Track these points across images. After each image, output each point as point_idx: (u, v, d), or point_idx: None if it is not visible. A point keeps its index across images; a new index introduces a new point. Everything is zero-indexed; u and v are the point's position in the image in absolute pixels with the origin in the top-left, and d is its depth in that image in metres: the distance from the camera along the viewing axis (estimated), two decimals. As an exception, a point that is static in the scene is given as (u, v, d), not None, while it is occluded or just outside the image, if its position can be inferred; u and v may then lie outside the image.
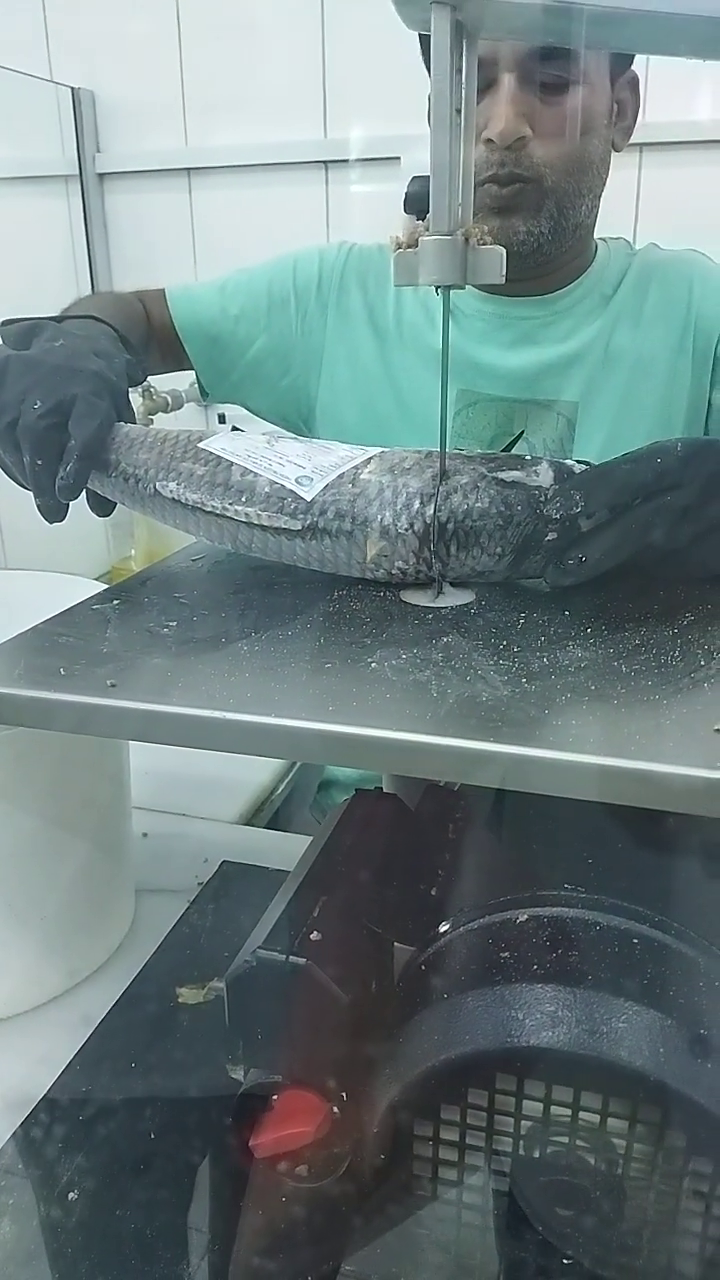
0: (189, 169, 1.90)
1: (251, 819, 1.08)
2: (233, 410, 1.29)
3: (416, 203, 1.66)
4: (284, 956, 0.42)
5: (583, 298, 0.95)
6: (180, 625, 0.57)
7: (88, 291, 1.97)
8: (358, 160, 1.76)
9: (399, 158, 1.69)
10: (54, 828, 0.71)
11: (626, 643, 0.52)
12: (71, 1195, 0.56)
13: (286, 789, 1.19)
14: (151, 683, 0.48)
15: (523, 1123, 0.37)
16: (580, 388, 0.94)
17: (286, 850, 0.92)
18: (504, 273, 0.55)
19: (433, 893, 0.49)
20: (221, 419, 1.83)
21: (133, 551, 1.88)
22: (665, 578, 0.59)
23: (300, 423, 1.05)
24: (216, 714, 0.44)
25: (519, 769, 0.40)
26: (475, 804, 0.57)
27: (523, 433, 0.94)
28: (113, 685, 0.47)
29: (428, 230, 0.55)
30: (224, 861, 0.89)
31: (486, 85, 0.82)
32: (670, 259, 0.97)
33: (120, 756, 0.79)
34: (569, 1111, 0.36)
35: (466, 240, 0.55)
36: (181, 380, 1.10)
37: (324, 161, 1.81)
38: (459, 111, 0.55)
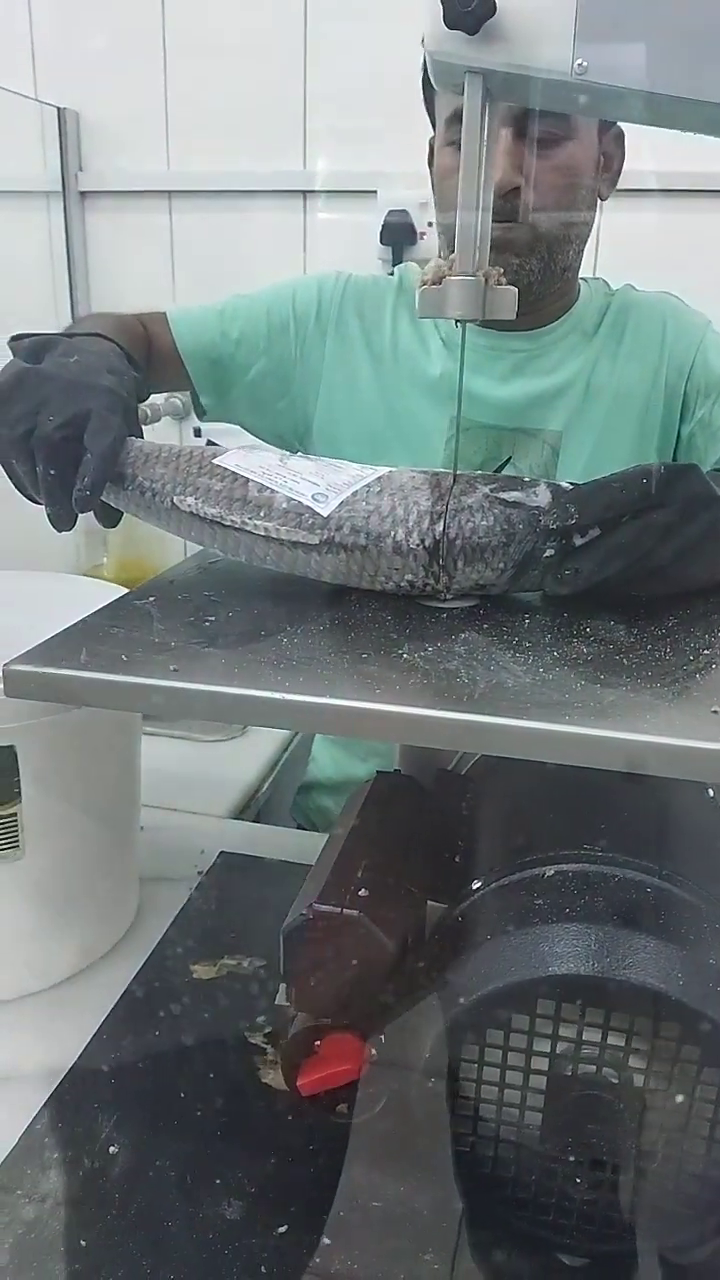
0: (170, 191, 1.95)
1: (239, 815, 1.13)
2: (210, 426, 1.33)
3: (393, 234, 1.75)
4: (339, 909, 0.48)
5: (568, 333, 1.03)
6: (219, 620, 0.61)
7: (66, 306, 2.01)
8: (336, 192, 1.83)
9: (375, 191, 1.77)
10: (79, 813, 0.75)
11: (621, 641, 0.58)
12: (112, 1149, 0.60)
13: (269, 789, 1.24)
14: (211, 669, 0.53)
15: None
16: (564, 418, 1.01)
17: (278, 843, 0.97)
18: (516, 310, 0.61)
19: (457, 859, 0.55)
20: (197, 433, 1.87)
21: (104, 559, 1.90)
22: (649, 590, 0.65)
23: (296, 442, 1.10)
24: (288, 697, 0.48)
25: (553, 744, 0.46)
26: (485, 783, 0.63)
27: (510, 459, 1.00)
28: (175, 670, 0.52)
29: (451, 269, 0.62)
30: (223, 852, 0.94)
31: (484, 137, 0.89)
32: (646, 300, 1.05)
33: (134, 745, 0.83)
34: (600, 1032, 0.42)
35: (485, 280, 0.62)
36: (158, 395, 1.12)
37: (303, 191, 1.87)
38: (481, 165, 0.62)
